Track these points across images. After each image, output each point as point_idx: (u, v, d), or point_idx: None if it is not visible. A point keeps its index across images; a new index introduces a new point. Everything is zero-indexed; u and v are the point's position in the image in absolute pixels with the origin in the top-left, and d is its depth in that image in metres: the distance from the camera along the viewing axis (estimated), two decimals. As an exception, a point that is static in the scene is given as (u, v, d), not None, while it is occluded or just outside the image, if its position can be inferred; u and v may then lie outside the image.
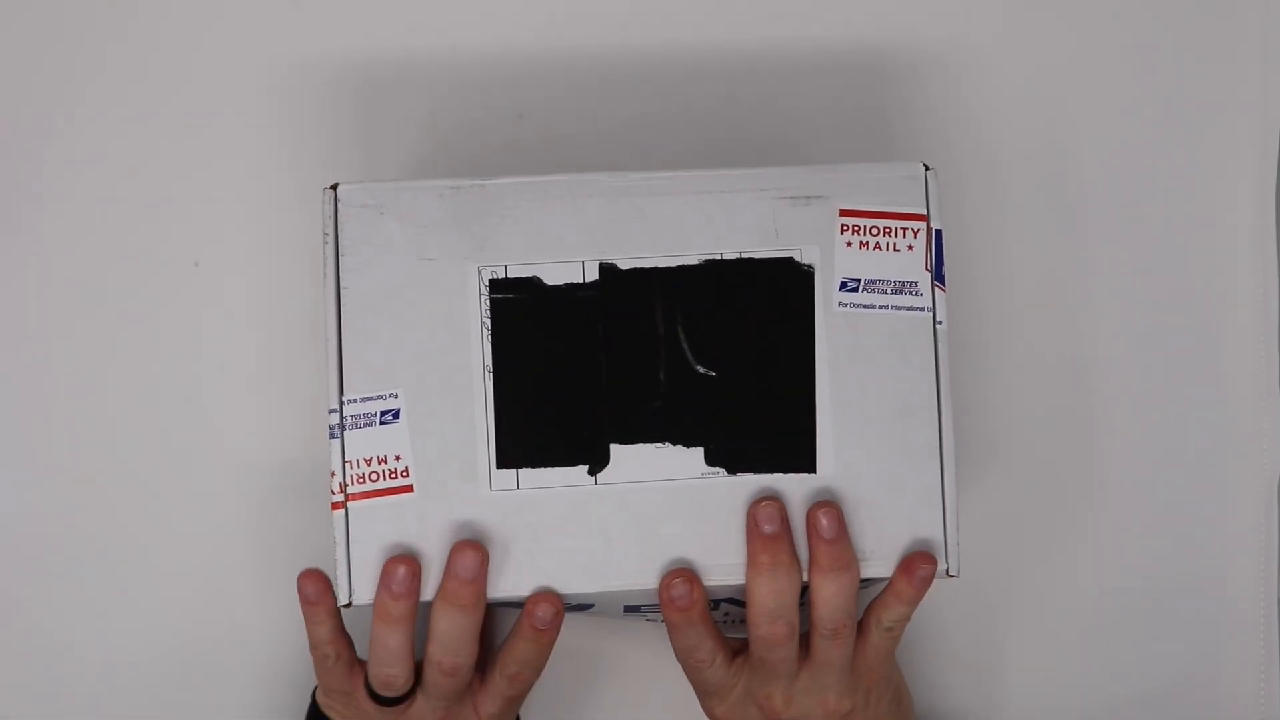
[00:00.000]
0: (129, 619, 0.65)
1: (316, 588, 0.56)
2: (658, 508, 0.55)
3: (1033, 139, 0.67)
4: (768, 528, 0.53)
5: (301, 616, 0.57)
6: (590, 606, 0.58)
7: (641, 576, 0.55)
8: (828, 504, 0.54)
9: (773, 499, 0.54)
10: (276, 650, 0.65)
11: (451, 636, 0.54)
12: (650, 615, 0.61)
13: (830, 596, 0.54)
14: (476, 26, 0.66)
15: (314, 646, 0.58)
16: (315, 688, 0.60)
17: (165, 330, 0.65)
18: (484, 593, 0.54)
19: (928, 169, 0.57)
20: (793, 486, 0.55)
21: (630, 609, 0.60)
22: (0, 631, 0.65)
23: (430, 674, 0.55)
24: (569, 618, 0.56)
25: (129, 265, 0.65)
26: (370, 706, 0.57)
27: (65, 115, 0.66)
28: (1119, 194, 0.67)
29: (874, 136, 0.66)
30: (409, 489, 0.55)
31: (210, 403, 0.66)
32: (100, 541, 0.65)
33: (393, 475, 0.55)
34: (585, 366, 0.55)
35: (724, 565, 0.55)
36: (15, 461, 0.65)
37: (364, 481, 0.55)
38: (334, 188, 0.55)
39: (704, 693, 0.59)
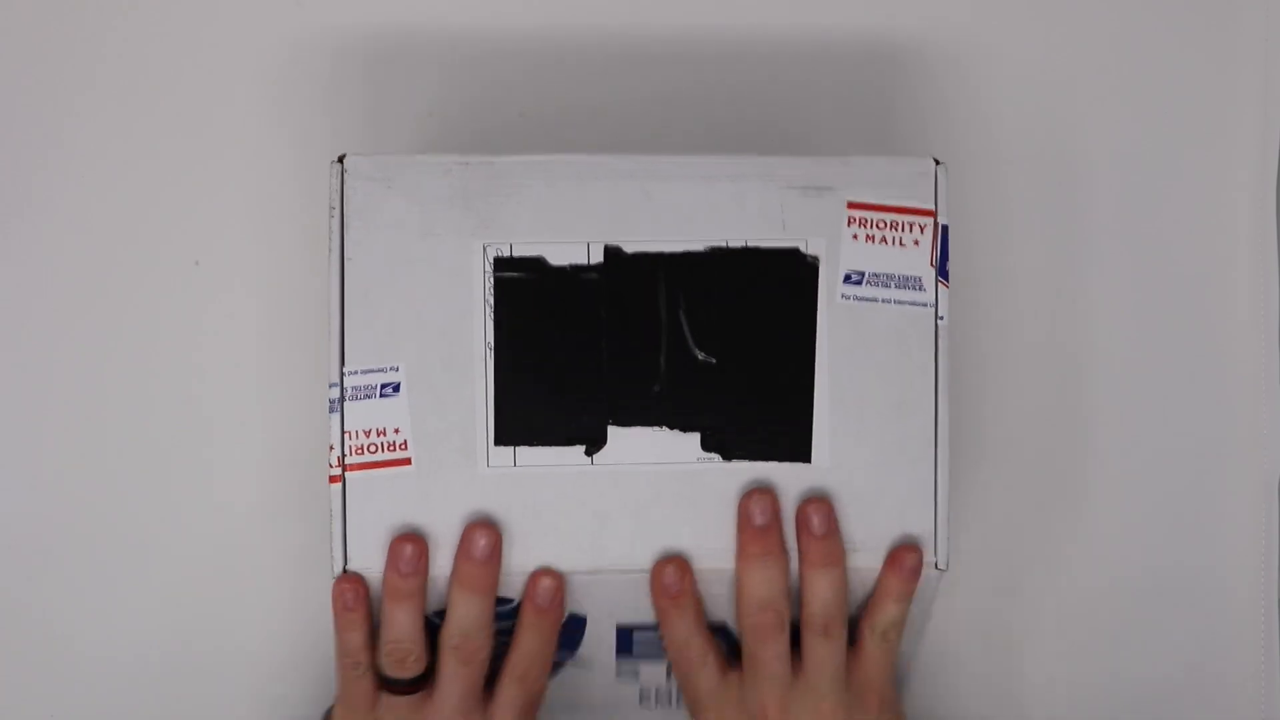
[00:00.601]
0: (129, 615, 0.65)
1: (356, 594, 0.54)
2: (652, 491, 0.56)
3: (1034, 136, 0.67)
4: (759, 519, 0.54)
5: (304, 617, 0.59)
6: (582, 630, 0.58)
7: (634, 558, 0.56)
8: (818, 500, 0.54)
9: (765, 490, 0.55)
10: (276, 647, 0.65)
11: (469, 620, 0.54)
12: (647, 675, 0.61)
13: (820, 592, 0.54)
14: (479, 13, 0.65)
15: (344, 654, 0.56)
16: (328, 711, 0.59)
17: (166, 327, 0.65)
18: (498, 574, 0.54)
19: (938, 164, 0.56)
20: (787, 476, 0.56)
21: (623, 634, 0.58)
22: (1, 628, 0.65)
23: (448, 664, 0.55)
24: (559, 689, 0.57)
25: (130, 260, 0.65)
26: (386, 712, 0.56)
27: (64, 107, 0.64)
28: (1119, 192, 0.67)
29: (879, 129, 0.66)
30: (407, 462, 0.55)
31: (212, 398, 0.65)
32: (102, 538, 0.65)
33: (391, 448, 0.55)
34: (586, 348, 0.55)
35: (716, 550, 0.56)
36: (16, 458, 0.65)
37: (362, 453, 0.55)
38: (341, 160, 0.55)
39: (696, 704, 0.58)
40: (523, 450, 0.55)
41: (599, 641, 0.59)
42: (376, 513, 0.55)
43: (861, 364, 0.56)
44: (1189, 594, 0.66)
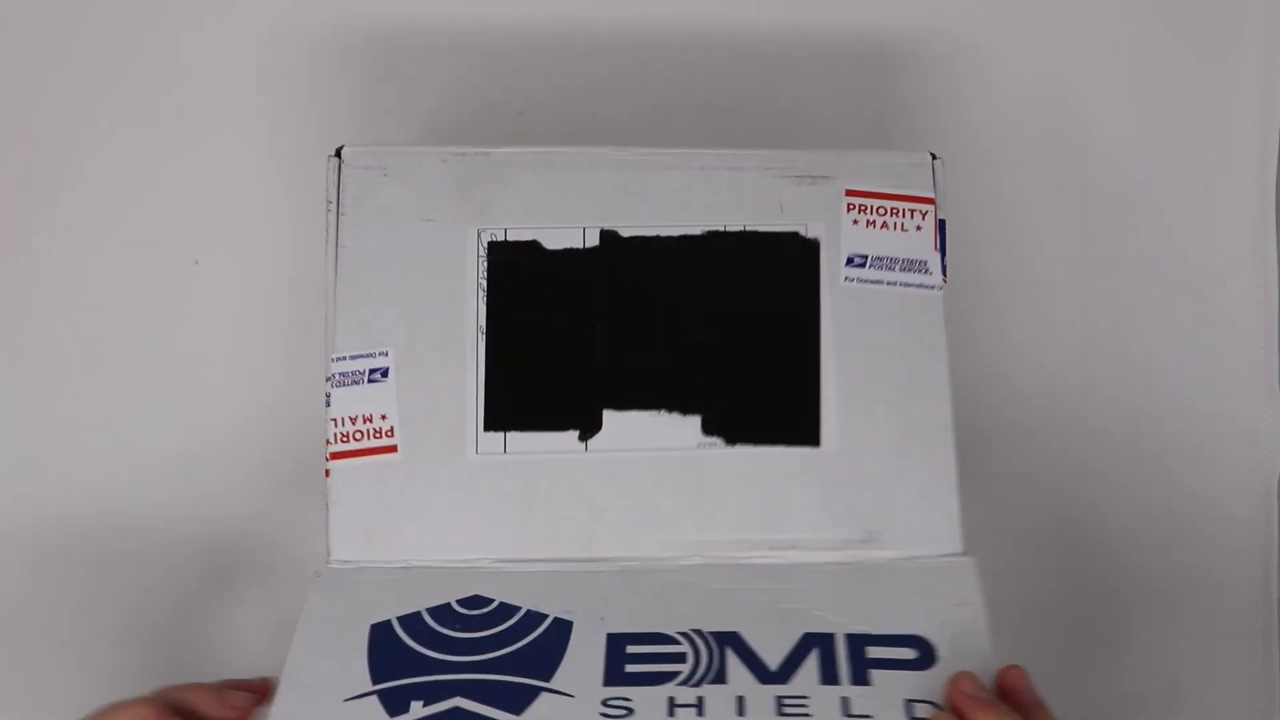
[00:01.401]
0: (130, 615, 0.63)
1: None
2: (651, 478, 0.52)
3: (1033, 136, 0.67)
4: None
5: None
6: (565, 642, 0.51)
7: (630, 549, 0.51)
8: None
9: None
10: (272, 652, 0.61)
11: None
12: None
13: None
14: (479, 12, 0.66)
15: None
16: None
17: (166, 326, 0.65)
18: None
19: (935, 158, 0.56)
20: (795, 461, 0.52)
21: (615, 647, 0.50)
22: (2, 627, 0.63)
23: None
24: None
25: (129, 259, 0.65)
26: None
27: (64, 107, 0.65)
28: (1118, 193, 0.67)
29: (877, 126, 0.66)
30: (393, 449, 0.52)
31: (211, 397, 0.64)
32: (100, 537, 0.63)
33: (377, 435, 0.53)
34: (581, 330, 0.54)
35: (719, 540, 0.52)
36: (15, 457, 0.64)
37: (348, 440, 0.52)
38: (338, 153, 0.56)
39: None
40: (513, 436, 0.53)
41: (584, 658, 0.50)
42: (361, 502, 0.52)
43: (868, 346, 0.54)
44: (1190, 595, 0.65)
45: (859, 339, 0.54)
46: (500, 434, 0.53)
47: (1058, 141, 0.67)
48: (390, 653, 0.49)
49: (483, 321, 0.54)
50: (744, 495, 0.52)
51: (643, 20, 0.66)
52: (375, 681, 0.48)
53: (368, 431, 0.53)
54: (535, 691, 0.48)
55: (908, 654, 0.49)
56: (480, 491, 0.52)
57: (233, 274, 0.64)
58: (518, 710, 0.48)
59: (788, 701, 0.47)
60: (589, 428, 0.53)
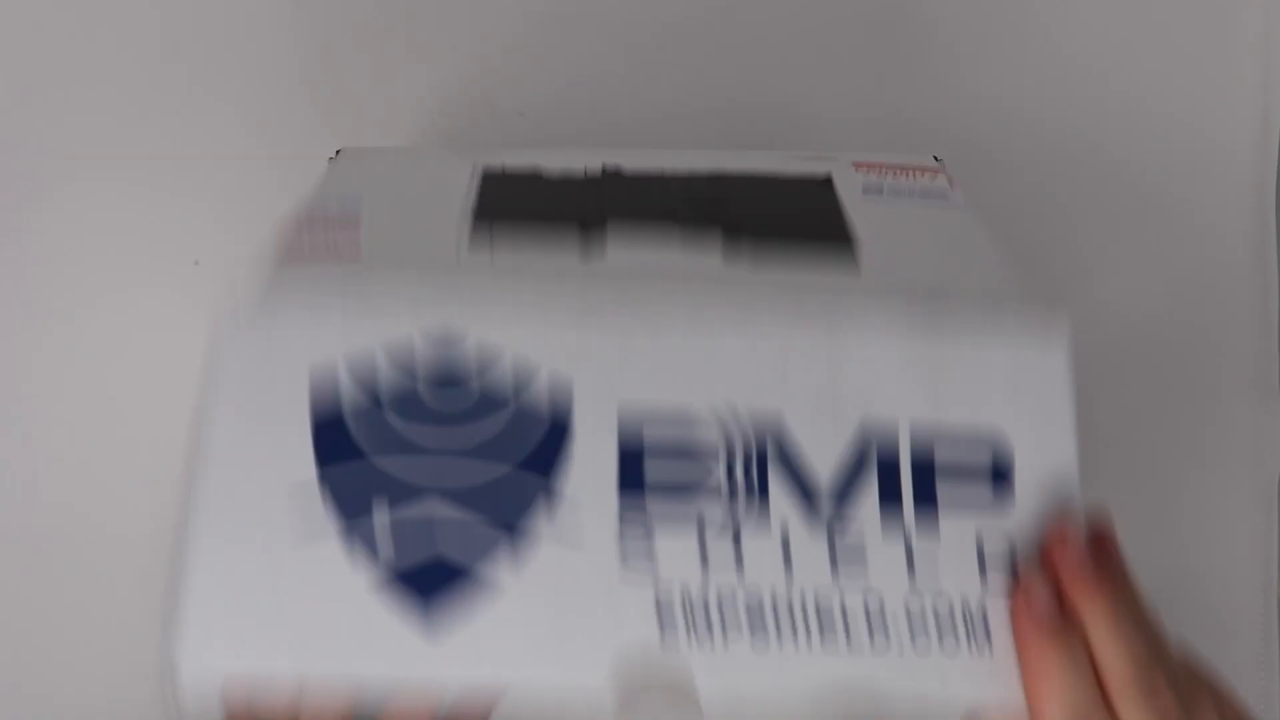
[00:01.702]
0: (127, 620, 0.59)
1: None
2: (668, 289, 0.43)
3: (1029, 136, 0.65)
4: None
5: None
6: (566, 418, 0.39)
7: (635, 371, 0.40)
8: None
9: None
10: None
11: None
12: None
13: None
14: (478, 10, 0.65)
15: None
16: None
17: (166, 327, 0.61)
18: None
19: (938, 160, 0.56)
20: (834, 284, 0.43)
21: (629, 433, 0.38)
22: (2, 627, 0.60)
23: None
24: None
25: (129, 259, 0.62)
26: None
27: (63, 104, 0.63)
28: (1117, 193, 0.65)
29: (879, 131, 0.65)
30: (353, 255, 0.43)
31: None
32: (101, 540, 0.60)
33: (337, 254, 0.44)
34: (582, 209, 0.48)
35: (746, 377, 0.41)
36: (14, 458, 0.61)
37: (301, 256, 0.44)
38: (338, 155, 0.54)
39: None
40: (501, 249, 0.44)
41: (592, 447, 0.38)
42: (302, 312, 0.41)
43: (900, 233, 0.48)
44: (1189, 595, 0.63)
45: (887, 229, 0.48)
46: (486, 243, 0.44)
47: (1056, 142, 0.66)
48: (338, 420, 0.38)
49: (473, 204, 0.48)
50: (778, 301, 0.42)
51: (644, 20, 0.66)
52: (321, 464, 0.38)
53: (325, 250, 0.44)
54: (531, 496, 0.37)
55: (980, 461, 0.39)
56: (460, 302, 0.41)
57: (233, 274, 0.58)
58: (510, 524, 0.37)
59: (842, 556, 0.38)
60: (592, 240, 0.45)
